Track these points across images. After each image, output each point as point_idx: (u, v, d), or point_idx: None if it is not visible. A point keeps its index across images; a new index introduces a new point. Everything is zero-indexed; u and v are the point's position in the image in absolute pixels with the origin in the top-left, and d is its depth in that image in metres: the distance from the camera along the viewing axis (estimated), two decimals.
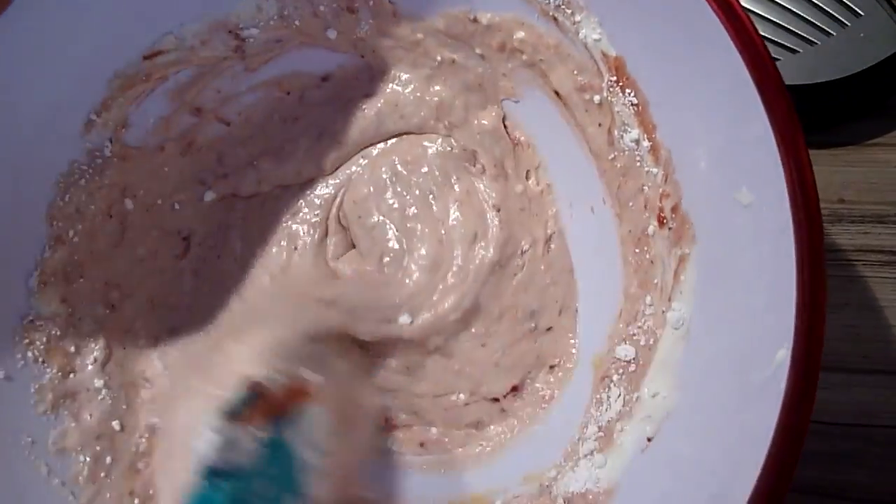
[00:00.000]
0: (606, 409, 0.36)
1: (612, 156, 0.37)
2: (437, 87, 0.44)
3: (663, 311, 0.33)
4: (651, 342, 0.34)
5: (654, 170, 0.34)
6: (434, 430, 0.44)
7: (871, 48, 0.48)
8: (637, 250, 0.36)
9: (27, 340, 0.39)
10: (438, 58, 0.42)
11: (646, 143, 0.34)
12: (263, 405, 0.33)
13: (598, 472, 0.34)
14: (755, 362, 0.26)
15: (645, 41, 0.33)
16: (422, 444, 0.43)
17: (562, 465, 0.37)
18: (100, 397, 0.41)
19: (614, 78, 0.35)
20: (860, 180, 0.48)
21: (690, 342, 0.32)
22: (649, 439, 0.31)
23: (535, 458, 0.39)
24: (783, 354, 0.25)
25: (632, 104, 0.34)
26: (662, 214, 0.34)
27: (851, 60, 0.48)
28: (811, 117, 0.49)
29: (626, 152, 0.36)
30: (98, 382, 0.41)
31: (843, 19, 0.48)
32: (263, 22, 0.42)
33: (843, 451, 0.41)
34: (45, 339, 0.40)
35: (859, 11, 0.48)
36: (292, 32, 0.43)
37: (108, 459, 0.40)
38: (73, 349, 0.41)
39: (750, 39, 0.28)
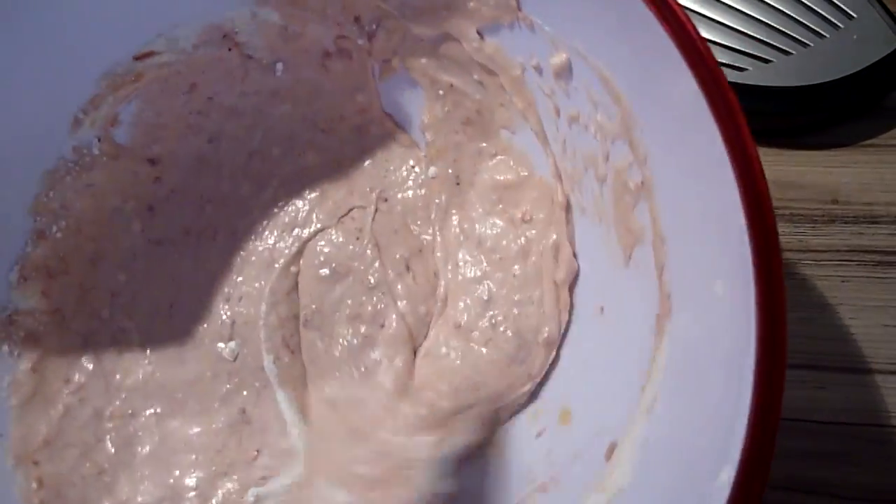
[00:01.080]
0: None
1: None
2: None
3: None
4: None
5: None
6: None
7: (864, 50, 0.48)
8: None
9: (3, 334, 0.39)
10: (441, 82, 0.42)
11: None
12: None
13: None
14: (727, 415, 0.24)
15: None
16: None
17: None
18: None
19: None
20: (854, 181, 0.48)
21: (652, 419, 0.30)
22: None
23: None
24: (725, 476, 0.23)
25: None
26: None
27: (844, 62, 0.48)
28: (805, 119, 0.49)
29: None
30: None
31: (835, 21, 0.49)
32: (261, 30, 0.42)
33: (837, 451, 0.41)
34: (21, 334, 0.39)
35: (852, 13, 0.49)
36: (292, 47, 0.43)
37: None
38: (52, 345, 0.40)
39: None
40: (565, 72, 0.35)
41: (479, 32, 0.38)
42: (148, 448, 0.41)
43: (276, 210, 0.45)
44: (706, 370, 0.27)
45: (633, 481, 0.29)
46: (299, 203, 0.45)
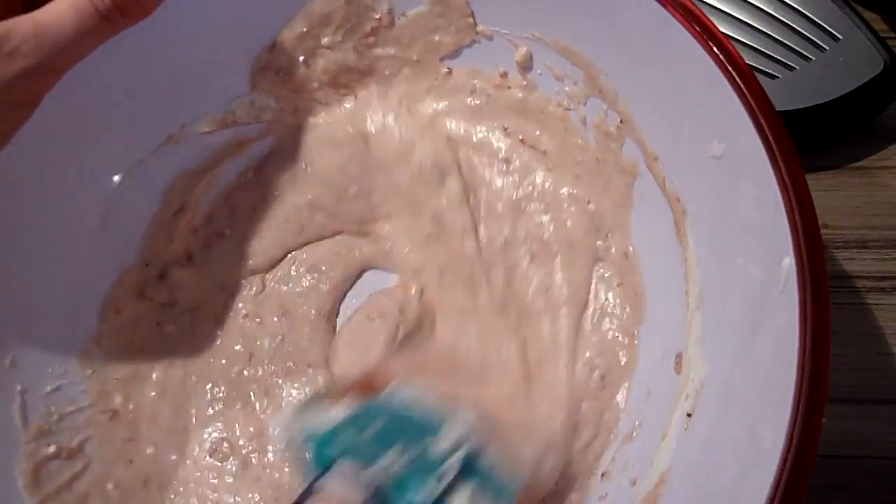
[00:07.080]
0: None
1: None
2: None
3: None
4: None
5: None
6: None
7: (851, 72, 0.47)
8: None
9: None
10: None
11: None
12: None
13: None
14: (765, 281, 0.28)
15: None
16: None
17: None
18: None
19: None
20: (843, 205, 0.47)
21: (704, 311, 0.32)
22: (689, 415, 0.31)
23: None
24: (788, 262, 0.26)
25: None
26: None
27: (831, 85, 0.47)
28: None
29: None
30: None
31: (821, 43, 0.48)
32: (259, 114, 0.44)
33: (831, 484, 0.39)
34: None
35: (837, 35, 0.48)
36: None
37: None
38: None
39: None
40: (528, 62, 0.38)
41: (443, 62, 0.42)
42: None
43: None
44: (732, 237, 0.30)
45: (709, 371, 0.31)
46: None
